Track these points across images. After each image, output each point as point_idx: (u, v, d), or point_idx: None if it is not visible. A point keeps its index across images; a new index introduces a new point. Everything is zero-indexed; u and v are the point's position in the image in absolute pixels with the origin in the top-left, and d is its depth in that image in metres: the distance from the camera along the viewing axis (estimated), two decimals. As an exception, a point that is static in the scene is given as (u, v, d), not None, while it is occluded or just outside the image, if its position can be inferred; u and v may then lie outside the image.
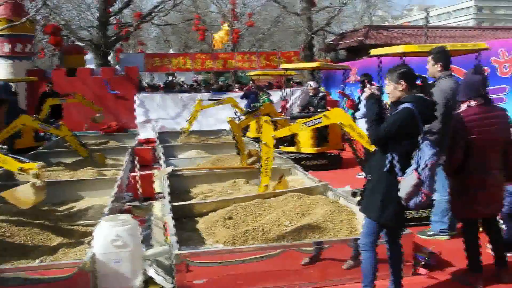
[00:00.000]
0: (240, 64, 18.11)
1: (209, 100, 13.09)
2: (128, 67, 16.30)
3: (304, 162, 9.92)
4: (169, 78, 33.16)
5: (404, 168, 3.66)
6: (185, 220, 6.08)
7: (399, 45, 6.02)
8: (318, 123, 6.44)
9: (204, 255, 4.36)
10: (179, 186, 7.84)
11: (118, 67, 17.03)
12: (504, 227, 5.09)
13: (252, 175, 8.04)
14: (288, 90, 13.41)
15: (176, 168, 8.27)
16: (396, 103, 3.82)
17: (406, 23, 40.70)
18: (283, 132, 6.77)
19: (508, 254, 5.07)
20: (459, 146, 4.18)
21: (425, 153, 3.58)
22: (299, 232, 5.28)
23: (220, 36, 25.30)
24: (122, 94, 15.88)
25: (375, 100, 3.88)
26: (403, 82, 3.77)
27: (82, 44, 18.59)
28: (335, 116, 6.38)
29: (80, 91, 15.14)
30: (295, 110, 12.67)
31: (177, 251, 4.33)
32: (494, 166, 4.25)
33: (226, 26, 24.60)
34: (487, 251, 4.69)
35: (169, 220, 5.39)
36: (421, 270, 4.69)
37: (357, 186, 7.06)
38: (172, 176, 7.87)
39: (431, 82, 5.71)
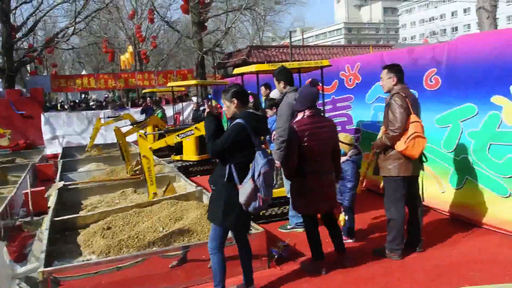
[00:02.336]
0: (140, 83, 17.45)
1: (109, 117, 12.36)
2: (33, 89, 15.14)
3: (191, 168, 9.64)
4: (83, 95, 31.46)
5: (242, 177, 3.54)
6: (68, 233, 5.58)
7: (253, 65, 5.91)
8: (191, 134, 6.29)
9: (68, 270, 3.92)
10: (72, 199, 7.29)
11: (24, 89, 15.76)
12: (346, 217, 5.10)
13: (139, 184, 7.63)
14: (180, 104, 13.07)
15: (68, 183, 7.66)
16: (231, 119, 3.68)
17: (286, 43, 41.49)
18: (159, 144, 6.46)
19: (349, 240, 5.13)
20: (293, 152, 4.10)
21: (259, 162, 3.46)
22: (170, 237, 5.00)
23: (126, 58, 24.37)
24: (28, 114, 14.69)
25: (212, 117, 3.71)
26: (235, 100, 3.66)
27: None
28: None
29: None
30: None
31: (41, 269, 3.88)
32: (326, 168, 4.22)
33: (130, 49, 23.72)
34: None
35: (44, 235, 4.89)
36: (275, 264, 4.57)
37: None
38: (64, 190, 7.27)
39: (279, 97, 5.65)
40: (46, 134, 14.63)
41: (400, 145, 4.31)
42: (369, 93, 7.20)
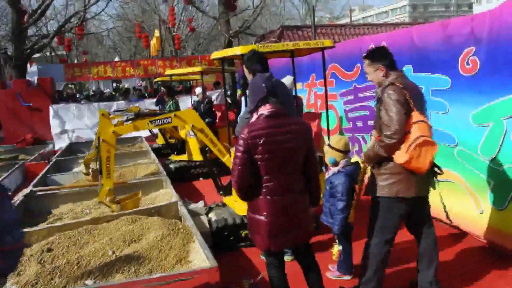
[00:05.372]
0: (161, 70, 16.91)
1: (115, 111, 11.77)
2: (42, 79, 14.97)
3: (193, 170, 8.93)
4: (115, 84, 31.59)
5: None
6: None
7: (237, 47, 5.05)
8: (167, 122, 5.86)
9: None
10: (41, 208, 6.76)
11: (34, 78, 15.62)
12: (340, 248, 4.17)
13: (121, 190, 6.92)
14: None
15: (37, 188, 7.14)
16: None
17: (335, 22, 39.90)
18: (126, 129, 5.77)
19: (345, 277, 4.23)
20: (239, 168, 3.17)
21: None
22: (114, 264, 4.30)
23: (153, 43, 24.17)
24: (36, 106, 14.56)
25: None
26: None
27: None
28: (186, 117, 5.90)
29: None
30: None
31: None
32: (293, 188, 3.22)
33: (157, 33, 23.43)
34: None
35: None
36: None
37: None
38: (32, 197, 6.77)
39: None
40: (55, 128, 14.47)
41: (400, 156, 3.32)
42: (395, 80, 6.15)
